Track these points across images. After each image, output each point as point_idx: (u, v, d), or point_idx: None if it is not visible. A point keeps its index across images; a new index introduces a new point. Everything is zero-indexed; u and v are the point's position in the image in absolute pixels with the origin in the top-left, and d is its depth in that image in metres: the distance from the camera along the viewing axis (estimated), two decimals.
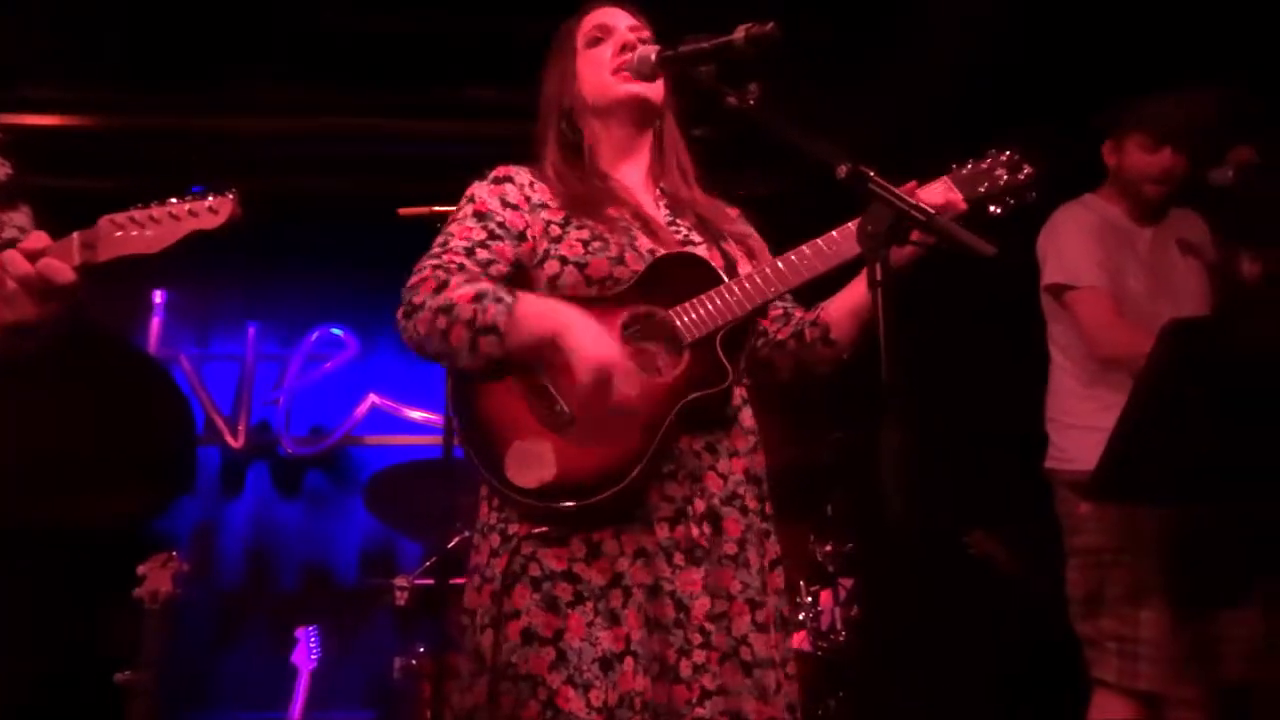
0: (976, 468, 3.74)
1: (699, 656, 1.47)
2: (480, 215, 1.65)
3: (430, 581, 3.45)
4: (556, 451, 1.51)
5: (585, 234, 1.64)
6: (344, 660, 4.00)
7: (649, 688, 1.46)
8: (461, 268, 1.58)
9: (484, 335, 1.49)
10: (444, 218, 2.63)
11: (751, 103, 1.50)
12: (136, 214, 1.44)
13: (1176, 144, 2.55)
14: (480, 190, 1.69)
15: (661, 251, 1.64)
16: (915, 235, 1.32)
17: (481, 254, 1.61)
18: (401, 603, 3.41)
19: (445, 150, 4.34)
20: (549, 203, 1.69)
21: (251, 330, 4.73)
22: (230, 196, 1.46)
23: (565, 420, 1.52)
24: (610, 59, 1.72)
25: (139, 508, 4.03)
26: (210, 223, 1.46)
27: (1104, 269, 2.54)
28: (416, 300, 1.54)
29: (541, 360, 1.52)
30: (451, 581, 3.37)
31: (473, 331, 1.49)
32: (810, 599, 3.42)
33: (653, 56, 1.62)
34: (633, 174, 1.76)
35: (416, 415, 4.66)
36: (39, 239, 1.39)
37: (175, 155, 4.41)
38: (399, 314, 1.57)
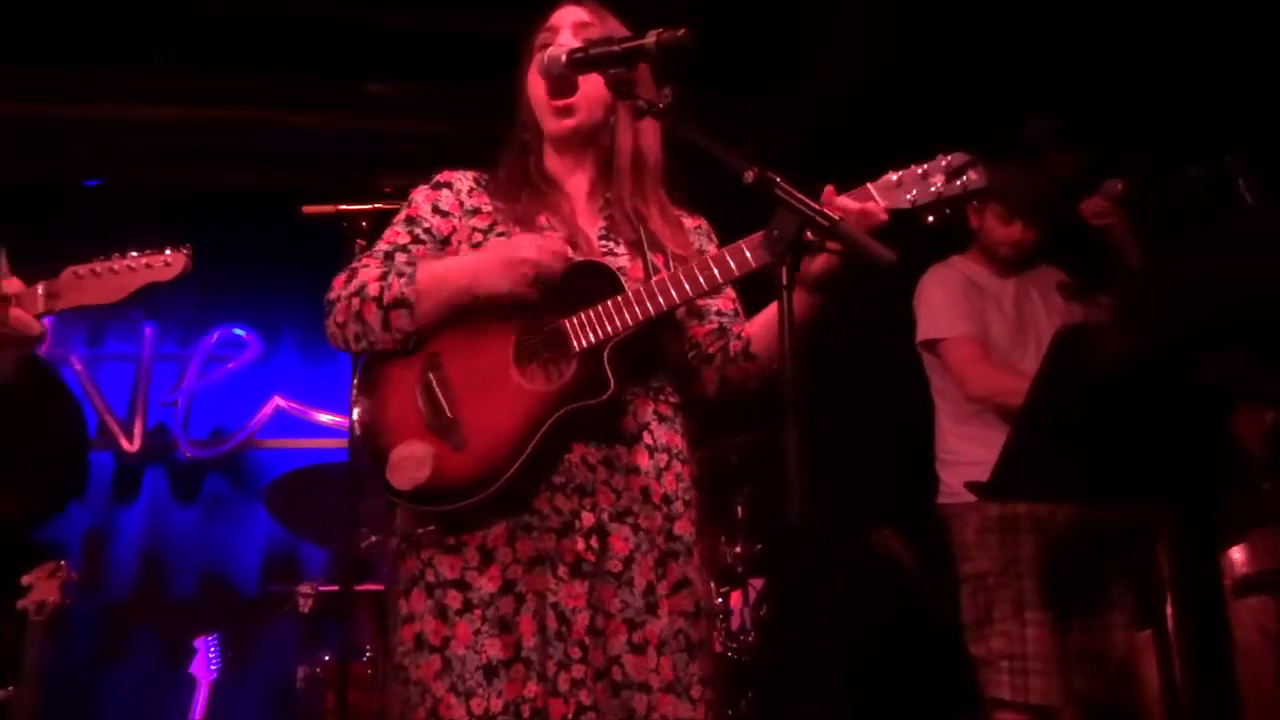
0: (881, 467, 3.83)
1: (577, 671, 1.48)
2: (410, 220, 1.70)
3: (335, 588, 3.38)
4: (436, 455, 1.52)
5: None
6: (244, 670, 3.88)
7: (541, 694, 1.46)
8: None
9: (394, 310, 1.55)
10: (350, 216, 2.62)
11: (662, 106, 1.51)
12: (98, 266, 1.57)
13: (1028, 219, 2.77)
14: (418, 194, 1.74)
15: (578, 260, 1.63)
16: (821, 241, 1.34)
17: (400, 258, 1.64)
18: (305, 609, 3.33)
19: (350, 146, 4.26)
20: (482, 208, 1.71)
21: (148, 330, 4.57)
22: (184, 252, 1.58)
23: (447, 424, 1.53)
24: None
25: (22, 515, 3.85)
26: (164, 275, 1.59)
27: (969, 319, 2.75)
28: (331, 296, 1.61)
29: (439, 360, 1.57)
30: (357, 588, 3.31)
31: (382, 308, 1.55)
32: (720, 600, 3.46)
33: (562, 57, 1.60)
34: (580, 182, 1.75)
35: (325, 418, 4.56)
36: (12, 285, 1.53)
37: (67, 144, 4.23)
38: (325, 319, 1.62)
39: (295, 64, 4.00)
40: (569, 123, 1.68)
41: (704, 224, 1.84)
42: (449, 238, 1.69)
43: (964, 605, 2.67)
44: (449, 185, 1.74)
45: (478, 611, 1.50)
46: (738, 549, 3.49)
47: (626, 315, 1.55)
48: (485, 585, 1.51)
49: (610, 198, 1.73)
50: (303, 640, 3.39)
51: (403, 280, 1.55)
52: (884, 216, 1.50)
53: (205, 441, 4.54)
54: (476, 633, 1.49)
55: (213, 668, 3.42)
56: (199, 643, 3.48)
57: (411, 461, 1.52)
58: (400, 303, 1.54)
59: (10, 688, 2.55)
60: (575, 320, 1.56)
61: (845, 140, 3.61)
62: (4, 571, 2.81)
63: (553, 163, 1.76)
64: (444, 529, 1.54)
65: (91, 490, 4.35)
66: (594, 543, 1.53)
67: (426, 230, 1.68)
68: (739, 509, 3.56)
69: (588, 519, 1.54)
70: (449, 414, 1.54)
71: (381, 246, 1.67)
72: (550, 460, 1.54)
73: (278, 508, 3.56)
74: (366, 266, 1.62)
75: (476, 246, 1.66)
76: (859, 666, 3.71)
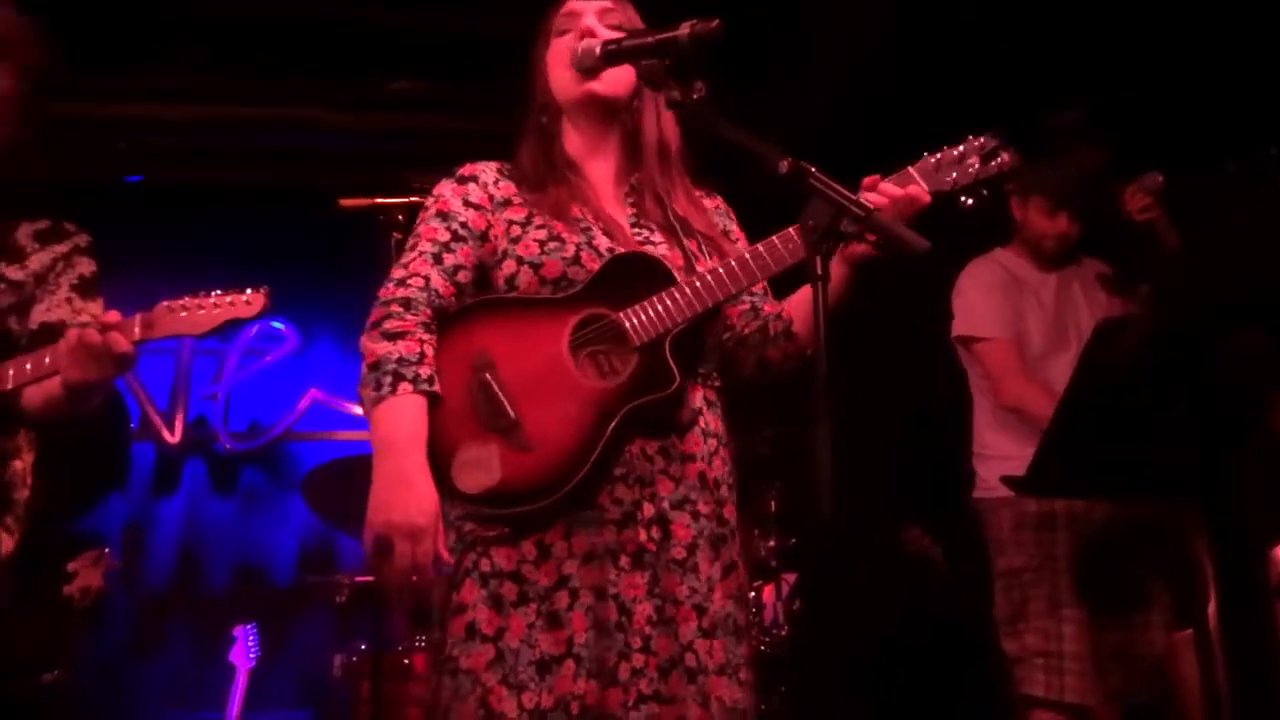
0: (913, 463, 3.81)
1: (637, 661, 1.47)
2: (443, 215, 1.65)
3: (370, 579, 3.42)
4: (501, 456, 1.49)
5: (543, 234, 1.62)
6: (281, 659, 3.94)
7: (591, 691, 1.45)
8: (424, 285, 1.59)
9: (361, 402, 1.56)
10: (386, 209, 2.64)
11: (696, 98, 1.51)
12: (188, 302, 1.75)
13: (1073, 211, 2.75)
14: (444, 189, 1.69)
15: (620, 251, 1.62)
16: (855, 230, 1.34)
17: (448, 259, 1.62)
18: (341, 600, 3.37)
19: (386, 144, 4.31)
20: (513, 199, 1.67)
21: None
22: (263, 292, 1.74)
23: (509, 424, 1.51)
24: (568, 52, 1.68)
25: (63, 505, 3.92)
26: (246, 312, 1.74)
27: (1007, 319, 2.73)
28: (369, 320, 1.59)
29: (490, 359, 1.54)
30: None
31: (360, 389, 1.56)
32: (753, 594, 3.45)
33: (596, 49, 1.60)
34: (603, 168, 1.73)
35: (360, 411, 4.60)
36: (111, 316, 1.72)
37: (108, 141, 4.30)
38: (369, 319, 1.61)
39: (329, 64, 4.04)
40: (592, 85, 1.65)
41: (721, 203, 1.84)
42: (486, 232, 1.65)
43: (998, 601, 2.64)
44: (474, 179, 1.69)
45: (533, 605, 1.48)
46: (771, 543, 3.48)
47: (684, 308, 1.54)
48: (541, 579, 1.49)
49: (636, 183, 1.72)
50: (338, 630, 3.43)
51: (374, 394, 1.52)
52: (928, 199, 1.52)
53: (244, 434, 4.60)
54: (530, 626, 1.47)
55: (251, 656, 3.46)
56: (238, 631, 3.52)
57: (478, 465, 1.50)
58: (364, 402, 1.55)
59: (55, 672, 2.60)
60: (631, 314, 1.55)
61: (851, 138, 3.59)
62: (47, 560, 2.86)
63: (574, 145, 1.73)
64: (514, 531, 1.51)
65: (132, 481, 4.43)
66: (655, 533, 1.52)
67: (463, 225, 1.64)
68: (772, 503, 3.56)
69: (648, 509, 1.53)
70: (511, 414, 1.51)
71: (425, 246, 1.62)
72: (615, 456, 1.53)
73: (314, 499, 3.61)
74: (391, 321, 1.56)
75: (516, 241, 1.63)
76: (890, 661, 3.69)
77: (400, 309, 1.56)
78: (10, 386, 1.76)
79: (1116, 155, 2.73)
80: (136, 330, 1.71)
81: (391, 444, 1.48)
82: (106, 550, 2.79)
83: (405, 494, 1.45)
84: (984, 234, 2.89)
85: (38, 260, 1.93)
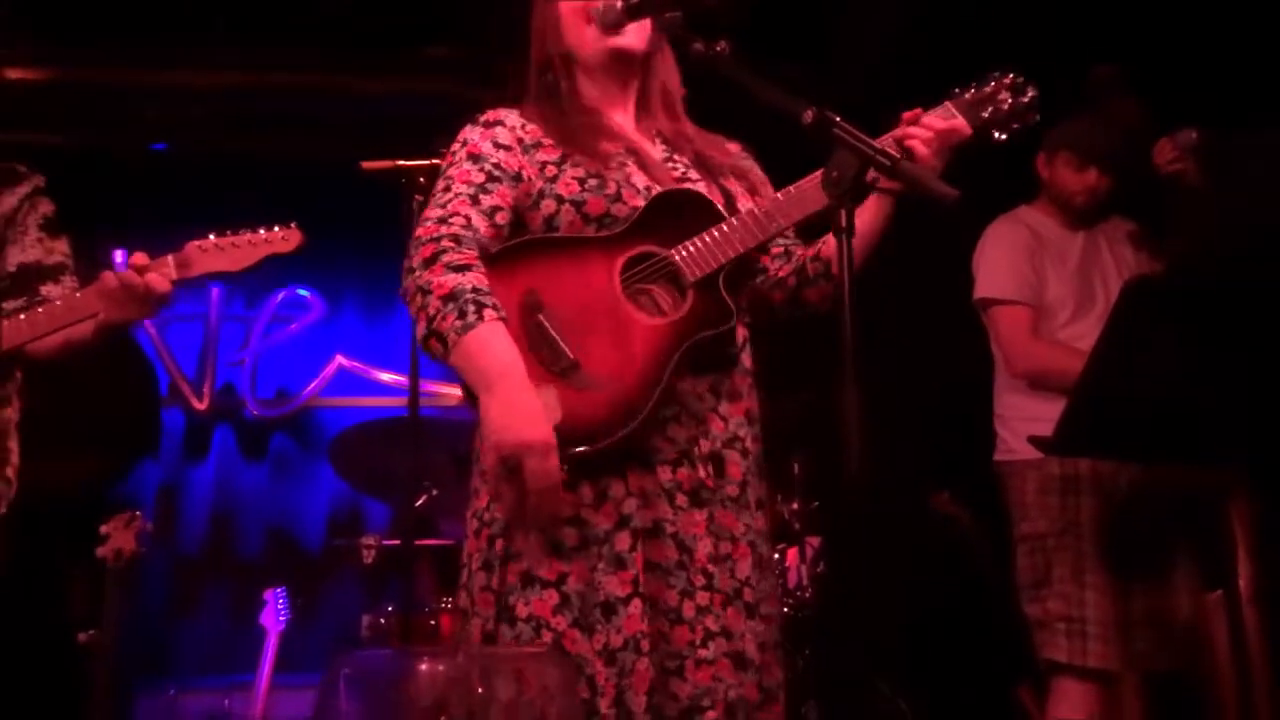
0: (943, 428, 3.78)
1: (702, 598, 1.48)
2: (475, 157, 1.60)
3: (397, 542, 3.45)
4: (561, 397, 1.46)
5: (581, 172, 1.60)
6: (310, 622, 3.99)
7: (659, 629, 1.46)
8: (467, 224, 1.53)
9: (435, 339, 1.47)
10: (408, 173, 2.63)
11: (719, 50, 1.49)
12: (219, 241, 1.80)
13: (1102, 165, 2.69)
14: (471, 134, 1.64)
15: (658, 189, 1.61)
16: (882, 181, 1.32)
17: (485, 200, 1.56)
18: (369, 562, 3.40)
19: (408, 109, 4.29)
20: (543, 141, 1.64)
21: (215, 291, 4.67)
22: (293, 225, 1.83)
23: (569, 365, 1.48)
24: (585, 5, 1.67)
25: (99, 472, 3.99)
26: (284, 248, 1.83)
27: (1025, 283, 2.68)
28: (413, 262, 1.51)
29: (540, 300, 1.51)
30: (418, 542, 3.37)
31: (429, 329, 1.47)
32: (777, 557, 3.45)
33: (619, 4, 1.60)
34: (621, 116, 1.73)
35: (385, 377, 4.63)
36: (140, 258, 1.75)
37: (129, 110, 4.32)
38: (407, 262, 1.54)
39: (354, 30, 4.02)
40: (617, 40, 1.65)
41: (739, 148, 1.83)
42: (520, 174, 1.60)
43: (1020, 565, 2.63)
44: (500, 123, 1.65)
45: (595, 548, 1.48)
46: (794, 506, 3.48)
47: (737, 243, 1.55)
48: (601, 522, 1.49)
49: (660, 130, 1.73)
50: (366, 592, 3.47)
51: (458, 324, 1.44)
52: (969, 131, 1.60)
53: (271, 400, 4.64)
54: (594, 570, 1.47)
55: (281, 618, 3.51)
56: (268, 594, 3.57)
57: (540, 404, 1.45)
58: (441, 339, 1.46)
59: (91, 631, 2.65)
60: (685, 251, 1.55)
61: (889, 98, 3.54)
62: (84, 525, 2.91)
63: (591, 99, 1.71)
64: (577, 473, 1.47)
65: (164, 447, 4.49)
66: (710, 470, 1.54)
67: (496, 166, 1.59)
68: (796, 466, 3.55)
69: (705, 445, 1.54)
70: (569, 355, 1.48)
71: (460, 188, 1.57)
72: (674, 393, 1.53)
73: (341, 464, 3.64)
74: (449, 254, 1.49)
75: (554, 180, 1.59)
76: (916, 626, 3.69)
77: (452, 244, 1.50)
78: (48, 330, 1.81)
79: (1154, 109, 2.68)
80: (173, 270, 1.76)
81: (500, 369, 1.43)
82: (138, 513, 2.82)
83: (528, 414, 1.41)
84: (1010, 191, 2.85)
85: (4, 204, 1.95)
